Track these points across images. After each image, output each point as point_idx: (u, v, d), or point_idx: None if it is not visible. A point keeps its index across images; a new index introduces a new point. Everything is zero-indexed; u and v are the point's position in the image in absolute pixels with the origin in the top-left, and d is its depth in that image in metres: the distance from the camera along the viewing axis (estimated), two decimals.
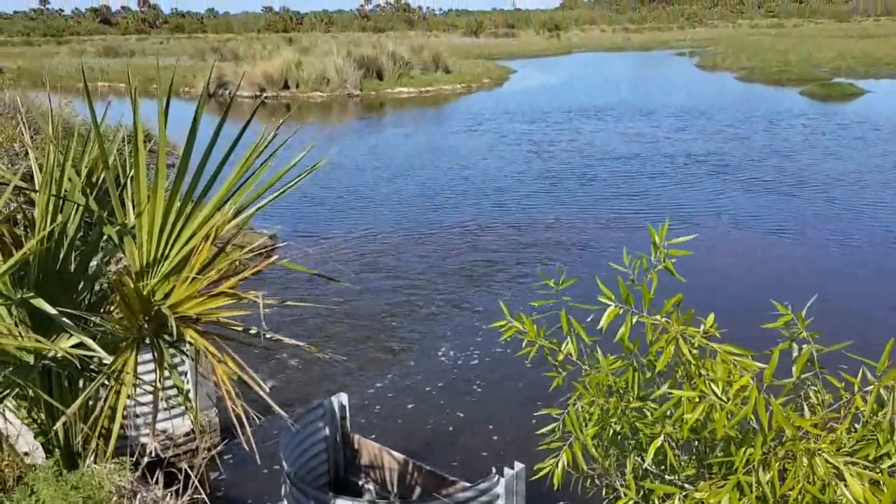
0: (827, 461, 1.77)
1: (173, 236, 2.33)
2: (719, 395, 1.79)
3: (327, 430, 4.54)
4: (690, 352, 1.91)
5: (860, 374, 2.19)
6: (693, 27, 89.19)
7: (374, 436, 4.87)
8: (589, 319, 2.27)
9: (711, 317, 2.09)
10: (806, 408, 2.26)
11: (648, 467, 2.21)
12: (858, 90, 26.12)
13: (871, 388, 2.07)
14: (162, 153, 2.41)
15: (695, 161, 15.07)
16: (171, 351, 2.50)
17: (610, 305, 2.06)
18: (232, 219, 2.33)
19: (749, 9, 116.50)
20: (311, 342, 6.80)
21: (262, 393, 2.16)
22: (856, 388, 2.17)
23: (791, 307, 2.22)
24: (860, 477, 1.76)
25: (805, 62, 35.07)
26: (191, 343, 2.29)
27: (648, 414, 2.08)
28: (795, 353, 2.26)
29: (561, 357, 2.35)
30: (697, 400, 1.81)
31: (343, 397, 4.60)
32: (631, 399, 2.09)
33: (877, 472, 2.02)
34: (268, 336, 2.29)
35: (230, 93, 30.32)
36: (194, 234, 2.28)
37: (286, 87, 30.87)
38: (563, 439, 2.27)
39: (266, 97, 30.16)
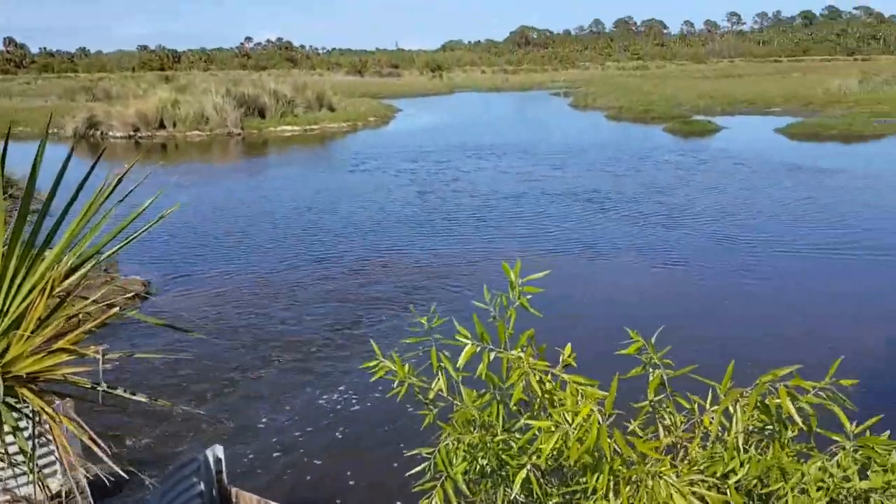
0: (669, 483, 1.85)
1: (13, 290, 2.17)
2: (571, 424, 1.85)
3: (202, 486, 4.32)
4: (541, 384, 1.96)
5: (709, 396, 2.33)
6: (566, 69, 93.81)
7: (252, 486, 4.68)
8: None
9: (568, 347, 2.16)
10: (661, 429, 2.37)
11: (518, 497, 2.24)
12: (716, 126, 28.22)
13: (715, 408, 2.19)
14: None
15: (575, 197, 15.71)
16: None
17: (468, 344, 2.09)
18: (72, 270, 2.19)
19: (616, 52, 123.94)
20: (179, 392, 6.52)
21: (103, 456, 2.02)
22: (707, 407, 2.30)
23: (647, 333, 2.34)
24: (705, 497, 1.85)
25: (668, 101, 37.58)
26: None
27: (514, 445, 2.12)
28: (650, 378, 2.38)
29: (432, 394, 2.36)
30: (553, 430, 1.86)
31: (218, 449, 4.41)
32: (497, 432, 2.12)
33: (724, 488, 2.14)
34: (115, 392, 2.16)
35: (101, 133, 28.94)
36: (34, 287, 2.13)
37: (162, 126, 29.83)
38: (436, 478, 2.27)
39: (141, 137, 29.00)
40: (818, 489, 1.93)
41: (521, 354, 2.01)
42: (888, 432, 2.03)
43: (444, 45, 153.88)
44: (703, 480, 2.16)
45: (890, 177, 17.10)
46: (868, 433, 2.03)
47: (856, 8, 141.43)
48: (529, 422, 1.95)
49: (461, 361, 2.11)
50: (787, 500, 1.93)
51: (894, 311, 8.45)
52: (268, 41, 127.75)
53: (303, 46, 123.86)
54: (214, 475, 4.36)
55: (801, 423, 1.93)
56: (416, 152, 23.56)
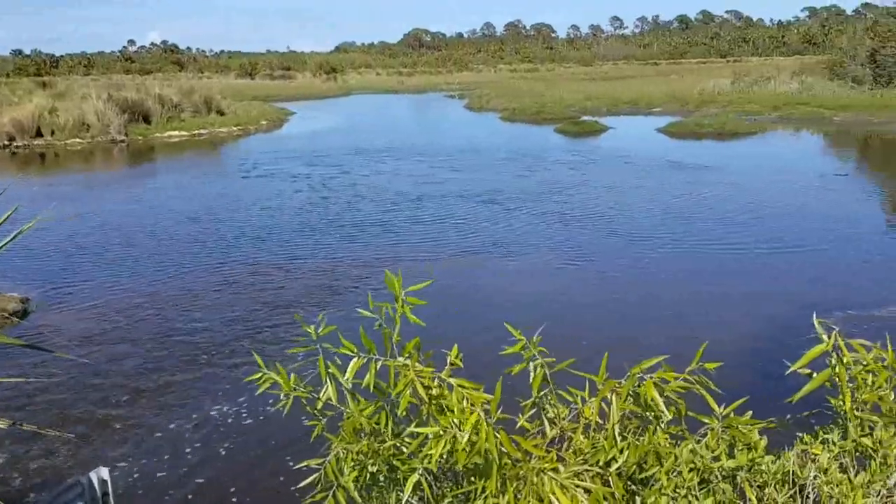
0: (552, 478, 1.92)
1: None
2: (459, 428, 1.88)
3: None
4: (428, 390, 1.99)
5: (587, 387, 2.42)
6: (460, 71, 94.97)
7: None
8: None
9: (455, 349, 2.20)
10: (546, 422, 2.45)
11: (410, 501, 2.25)
12: (603, 126, 29.37)
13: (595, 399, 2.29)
14: None
15: (476, 198, 15.92)
16: None
17: (354, 355, 2.10)
18: None
19: (507, 55, 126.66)
20: (57, 416, 6.15)
21: None
22: (587, 398, 2.40)
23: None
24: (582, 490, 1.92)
25: (558, 103, 38.78)
26: None
27: (405, 450, 2.13)
28: (532, 375, 2.45)
29: (320, 404, 2.34)
30: (441, 434, 1.89)
31: (103, 471, 4.18)
32: (386, 439, 2.13)
33: (607, 476, 2.24)
34: None
35: None
36: None
37: (40, 134, 28.01)
38: (327, 489, 2.25)
39: (17, 147, 27.15)
40: (690, 470, 2.05)
41: (407, 362, 2.03)
42: (750, 412, 2.18)
43: (337, 46, 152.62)
44: (587, 470, 2.25)
45: (762, 172, 18.32)
46: (733, 414, 2.18)
47: (727, 12, 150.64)
48: (417, 429, 1.97)
49: (349, 374, 2.11)
50: (662, 483, 2.04)
51: (772, 301, 9.04)
52: (152, 44, 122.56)
53: (189, 49, 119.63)
54: (100, 497, 4.13)
55: (665, 412, 2.04)
56: (311, 156, 23.22)
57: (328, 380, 2.34)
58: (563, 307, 8.96)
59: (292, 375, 2.32)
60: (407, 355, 2.03)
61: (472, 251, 11.60)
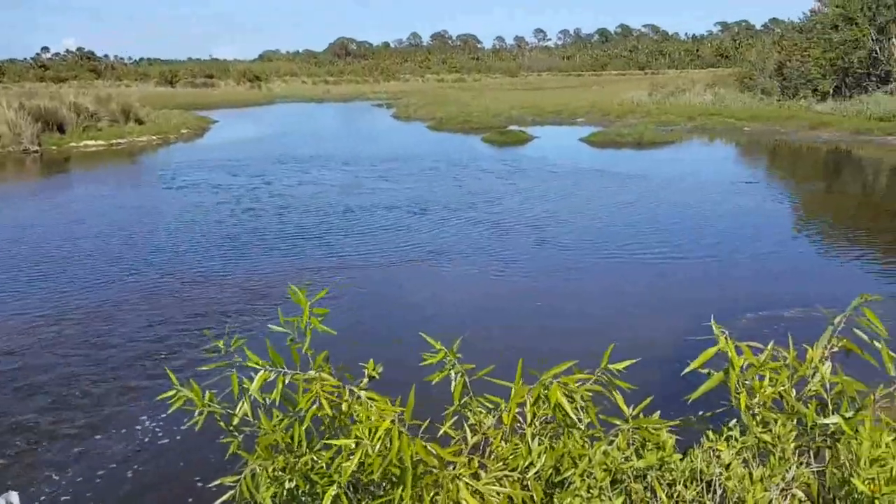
0: (467, 484, 1.94)
1: None
2: (371, 439, 1.88)
3: None
4: (338, 402, 1.99)
5: (512, 393, 2.46)
6: (387, 80, 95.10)
7: None
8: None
9: (371, 362, 2.20)
10: (468, 429, 2.48)
11: None
12: (529, 136, 29.89)
13: (520, 404, 2.33)
14: None
15: (406, 208, 15.91)
16: None
17: (262, 369, 2.08)
18: None
19: (434, 64, 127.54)
20: None
21: None
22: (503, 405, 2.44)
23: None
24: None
25: (485, 112, 39.26)
26: None
27: (322, 464, 2.12)
28: (453, 383, 2.48)
29: (236, 420, 2.30)
30: (354, 446, 1.89)
31: (13, 496, 3.98)
32: (301, 453, 2.11)
33: (526, 480, 2.28)
34: None
35: None
36: None
37: None
38: None
39: None
40: (603, 471, 2.11)
41: (315, 375, 2.02)
42: (658, 412, 2.27)
43: (261, 54, 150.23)
44: (507, 475, 2.29)
45: (679, 180, 19.00)
46: (642, 415, 2.26)
47: (644, 26, 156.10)
48: (330, 441, 1.96)
49: (254, 388, 2.09)
50: (576, 485, 2.09)
51: (686, 305, 9.38)
52: (67, 51, 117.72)
53: (107, 56, 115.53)
54: None
55: (572, 415, 2.10)
56: (235, 165, 22.75)
57: (244, 395, 2.31)
58: (488, 315, 9.06)
59: (207, 392, 2.27)
60: (317, 368, 2.02)
61: (400, 261, 11.60)
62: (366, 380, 2.24)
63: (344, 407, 2.09)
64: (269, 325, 2.29)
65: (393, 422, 1.85)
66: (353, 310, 9.28)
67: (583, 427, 2.40)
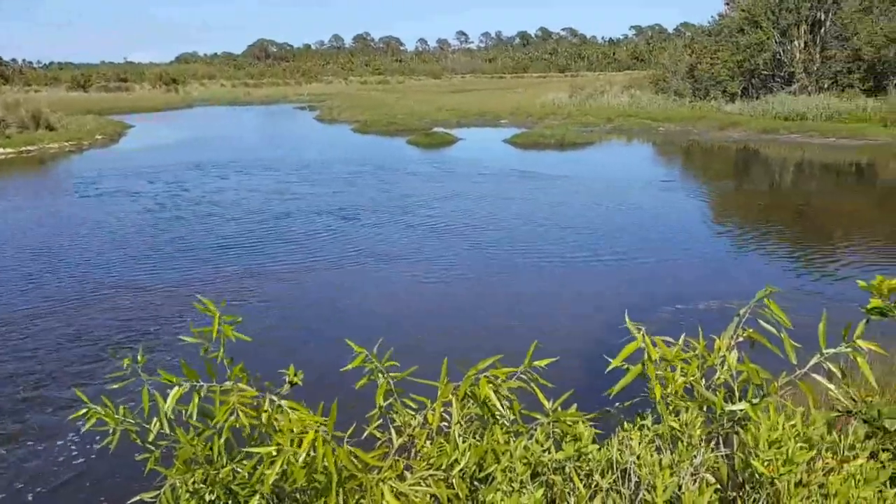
0: (391, 486, 1.97)
1: None
2: (294, 448, 1.88)
3: None
4: (257, 411, 1.98)
5: (438, 392, 2.50)
6: (309, 83, 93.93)
7: None
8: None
9: (291, 368, 2.19)
10: (393, 431, 2.50)
11: None
12: (454, 138, 30.11)
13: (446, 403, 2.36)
14: None
15: (335, 213, 15.76)
16: None
17: (175, 386, 2.05)
18: None
19: (357, 66, 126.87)
20: None
21: None
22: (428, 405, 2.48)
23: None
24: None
25: (410, 114, 39.31)
26: None
27: (244, 473, 2.10)
28: (380, 384, 2.49)
29: (151, 436, 2.25)
30: (275, 455, 1.88)
31: None
32: (221, 465, 2.08)
33: (451, 478, 2.32)
34: None
35: None
36: None
37: None
38: None
39: None
40: (524, 465, 2.17)
41: (232, 386, 2.00)
42: (575, 405, 2.35)
43: (178, 57, 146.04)
44: (432, 474, 2.32)
45: (599, 180, 19.54)
46: (560, 409, 2.33)
47: (563, 29, 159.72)
48: (251, 450, 1.95)
49: (169, 403, 2.05)
50: (497, 480, 2.14)
51: (608, 301, 9.66)
52: None
53: (15, 61, 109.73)
54: None
55: (500, 408, 2.16)
56: (153, 172, 22.03)
57: (159, 411, 2.27)
58: (415, 318, 9.10)
59: (121, 408, 2.22)
60: (233, 378, 2.00)
61: (326, 266, 11.50)
62: (287, 386, 2.23)
63: (264, 417, 2.08)
64: (181, 337, 2.25)
65: (316, 431, 1.85)
66: (278, 317, 9.15)
67: (507, 423, 2.46)
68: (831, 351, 2.44)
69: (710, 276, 10.61)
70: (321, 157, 25.30)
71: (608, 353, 2.58)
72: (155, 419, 2.20)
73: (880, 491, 2.17)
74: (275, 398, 2.12)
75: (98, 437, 5.87)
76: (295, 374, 2.20)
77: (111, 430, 2.21)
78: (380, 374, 2.46)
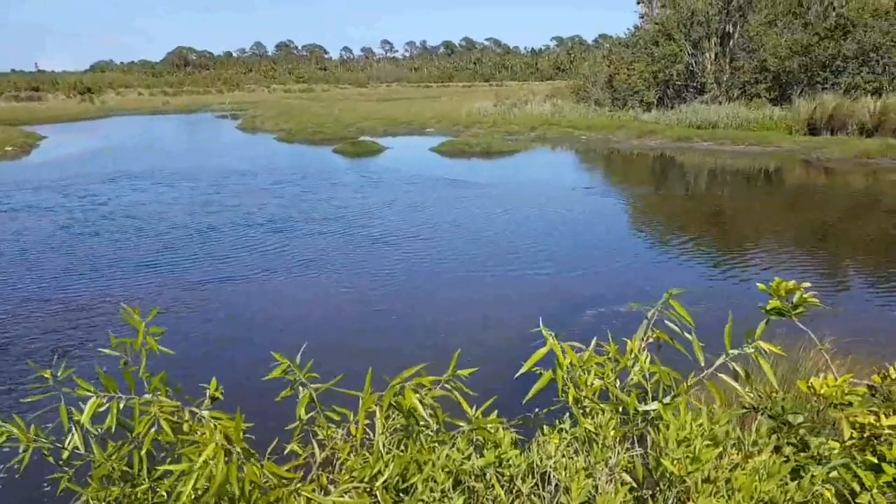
0: (306, 499, 1.97)
1: None
2: (204, 464, 1.86)
3: None
4: (177, 425, 1.95)
5: (360, 403, 2.50)
6: (231, 91, 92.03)
7: None
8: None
9: (213, 381, 2.16)
10: (315, 444, 2.49)
11: None
12: (381, 146, 30.05)
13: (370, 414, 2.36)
14: None
15: (262, 226, 15.46)
16: None
17: (92, 396, 1.99)
18: None
19: (280, 74, 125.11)
20: None
21: None
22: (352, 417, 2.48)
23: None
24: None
25: (335, 123, 39.02)
26: None
27: (162, 492, 2.06)
28: (300, 397, 2.48)
29: (66, 454, 2.17)
30: (190, 471, 1.85)
31: None
32: (141, 482, 2.04)
33: (375, 490, 2.33)
34: None
35: None
36: None
37: None
38: None
39: None
40: (446, 473, 2.20)
41: (152, 398, 1.96)
42: (496, 412, 2.40)
43: (92, 65, 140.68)
44: (356, 487, 2.33)
45: (524, 187, 19.88)
46: (480, 416, 2.38)
47: (487, 39, 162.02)
48: (167, 467, 1.91)
49: (85, 416, 1.99)
50: (419, 490, 2.17)
51: (531, 311, 9.84)
52: None
53: None
54: None
55: (426, 417, 2.18)
56: (67, 184, 21.12)
57: (74, 426, 2.20)
58: (339, 330, 9.03)
59: (31, 426, 2.13)
60: (152, 391, 1.96)
61: (249, 279, 11.29)
62: (208, 402, 2.20)
63: (185, 428, 2.04)
64: (101, 349, 2.18)
65: (227, 451, 1.83)
66: (201, 330, 8.93)
67: (432, 432, 2.49)
68: (735, 352, 2.57)
69: (632, 280, 10.94)
70: (243, 167, 24.81)
71: (526, 359, 2.64)
72: (71, 434, 2.12)
73: (786, 483, 2.30)
74: (196, 409, 2.09)
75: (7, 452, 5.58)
76: (216, 389, 2.17)
77: (21, 449, 2.12)
78: (300, 387, 2.45)
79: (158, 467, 1.98)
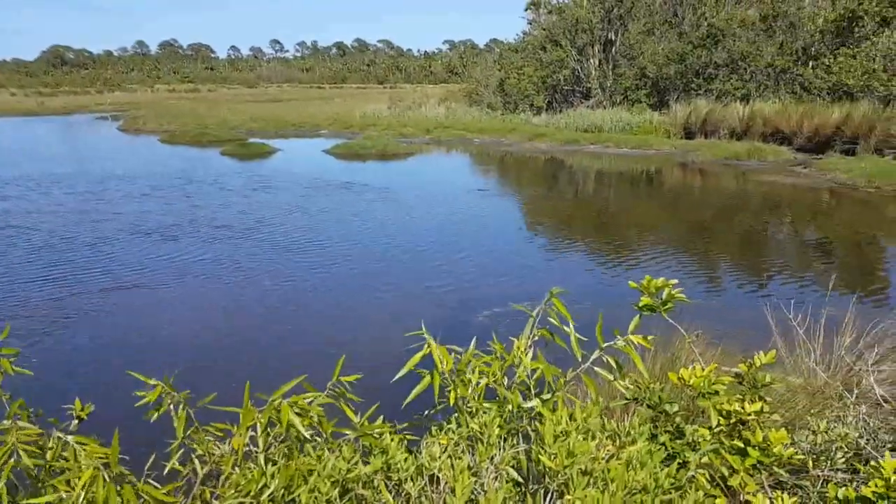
0: None
1: None
2: (75, 490, 1.76)
3: None
4: (33, 455, 1.84)
5: (241, 418, 2.44)
6: (112, 91, 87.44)
7: None
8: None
9: (78, 402, 2.05)
10: (196, 460, 2.41)
11: None
12: (272, 148, 29.39)
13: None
14: None
15: (150, 233, 14.75)
16: None
17: None
18: None
19: (164, 74, 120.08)
20: None
21: None
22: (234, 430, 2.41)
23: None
24: None
25: (223, 124, 37.82)
26: None
27: None
28: (178, 413, 2.39)
29: None
30: (60, 500, 1.75)
31: None
32: None
33: None
34: None
35: None
36: None
37: None
38: None
39: None
40: (332, 483, 2.19)
41: (10, 425, 1.84)
42: (381, 417, 2.40)
43: None
44: (241, 502, 2.27)
45: (421, 190, 19.99)
46: (367, 422, 2.38)
47: (379, 41, 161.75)
48: (30, 501, 1.80)
49: None
50: (303, 502, 2.14)
51: (423, 314, 9.90)
52: None
53: None
54: None
55: (304, 433, 2.16)
56: None
57: None
58: (221, 342, 8.77)
59: None
60: (11, 416, 1.84)
61: (127, 290, 10.76)
62: (75, 423, 2.08)
63: (49, 455, 1.92)
64: None
65: (98, 468, 1.74)
66: (70, 348, 8.43)
67: (320, 441, 2.46)
68: (607, 345, 2.70)
69: (524, 281, 11.22)
70: (123, 170, 23.63)
71: (422, 363, 2.66)
72: None
73: (658, 471, 2.42)
74: (61, 435, 1.97)
75: None
76: (82, 409, 2.05)
77: None
78: (171, 407, 2.37)
79: (25, 502, 1.85)
